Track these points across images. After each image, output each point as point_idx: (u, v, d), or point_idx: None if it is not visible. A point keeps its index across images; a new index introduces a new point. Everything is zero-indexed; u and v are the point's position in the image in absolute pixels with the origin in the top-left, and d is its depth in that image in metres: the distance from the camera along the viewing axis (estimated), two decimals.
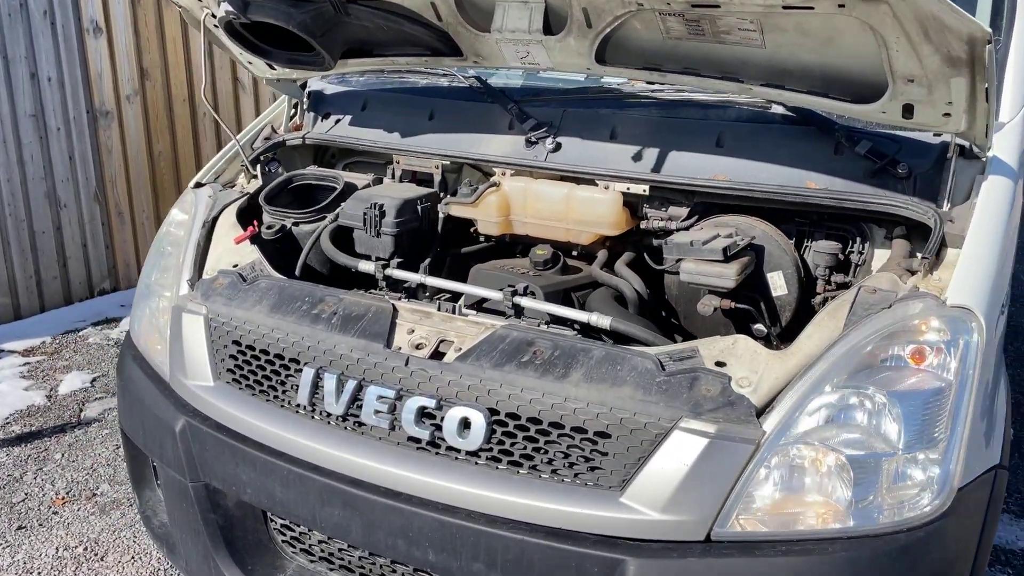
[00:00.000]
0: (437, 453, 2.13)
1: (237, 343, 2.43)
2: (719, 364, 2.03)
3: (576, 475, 2.00)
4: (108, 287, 6.25)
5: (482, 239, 3.01)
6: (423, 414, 2.12)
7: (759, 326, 2.59)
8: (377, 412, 2.17)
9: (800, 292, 2.58)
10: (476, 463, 2.08)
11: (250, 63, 3.06)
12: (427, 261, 2.79)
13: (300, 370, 2.30)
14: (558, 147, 2.77)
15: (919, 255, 2.44)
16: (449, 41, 2.60)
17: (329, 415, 2.26)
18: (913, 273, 2.38)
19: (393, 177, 3.07)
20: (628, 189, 2.64)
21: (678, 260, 2.54)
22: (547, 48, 2.44)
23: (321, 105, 3.33)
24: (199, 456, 2.43)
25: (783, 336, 2.59)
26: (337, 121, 3.25)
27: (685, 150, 2.65)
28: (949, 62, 1.95)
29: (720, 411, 1.93)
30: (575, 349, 2.11)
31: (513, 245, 3.02)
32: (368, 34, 2.73)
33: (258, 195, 2.98)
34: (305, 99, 3.32)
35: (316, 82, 3.37)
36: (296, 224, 2.88)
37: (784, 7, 2.01)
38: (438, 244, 2.89)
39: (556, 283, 2.65)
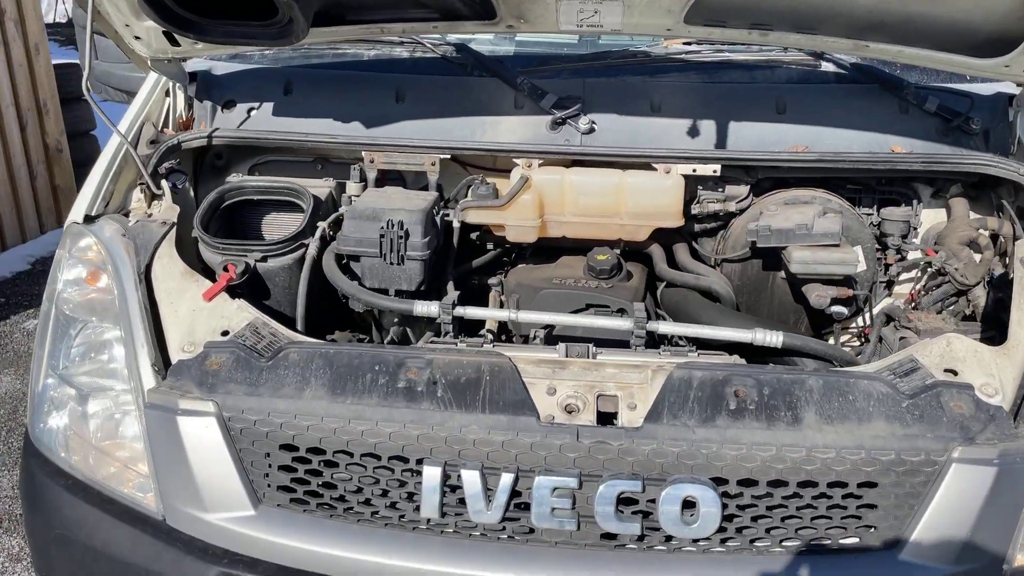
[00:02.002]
0: (647, 548, 1.63)
1: (291, 447, 1.68)
2: (949, 372, 1.75)
3: (841, 539, 1.63)
4: None
5: (489, 247, 2.43)
6: (621, 501, 1.61)
7: (837, 308, 2.35)
8: (556, 510, 1.60)
9: (874, 265, 2.38)
10: (707, 550, 1.62)
11: (137, 38, 2.16)
12: (449, 287, 2.19)
13: (415, 471, 1.65)
14: (592, 127, 2.27)
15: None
16: (478, 1, 1.99)
17: (473, 525, 1.65)
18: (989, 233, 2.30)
19: (363, 180, 2.36)
20: (694, 171, 2.24)
21: (771, 248, 2.21)
22: (626, 6, 1.94)
23: (216, 91, 2.49)
24: None
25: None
26: (250, 111, 2.45)
27: (745, 120, 2.30)
28: None
29: (988, 430, 1.65)
30: (784, 383, 1.70)
31: (520, 249, 2.49)
32: None
33: (182, 225, 2.14)
34: (188, 84, 2.46)
35: (198, 61, 2.51)
36: (264, 259, 2.11)
37: None
38: (453, 261, 2.28)
39: (635, 293, 2.19)
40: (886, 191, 2.44)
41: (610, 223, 2.27)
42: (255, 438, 1.70)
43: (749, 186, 2.35)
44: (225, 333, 1.86)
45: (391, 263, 2.06)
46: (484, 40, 2.58)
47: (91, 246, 2.05)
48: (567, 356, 1.79)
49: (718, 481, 1.60)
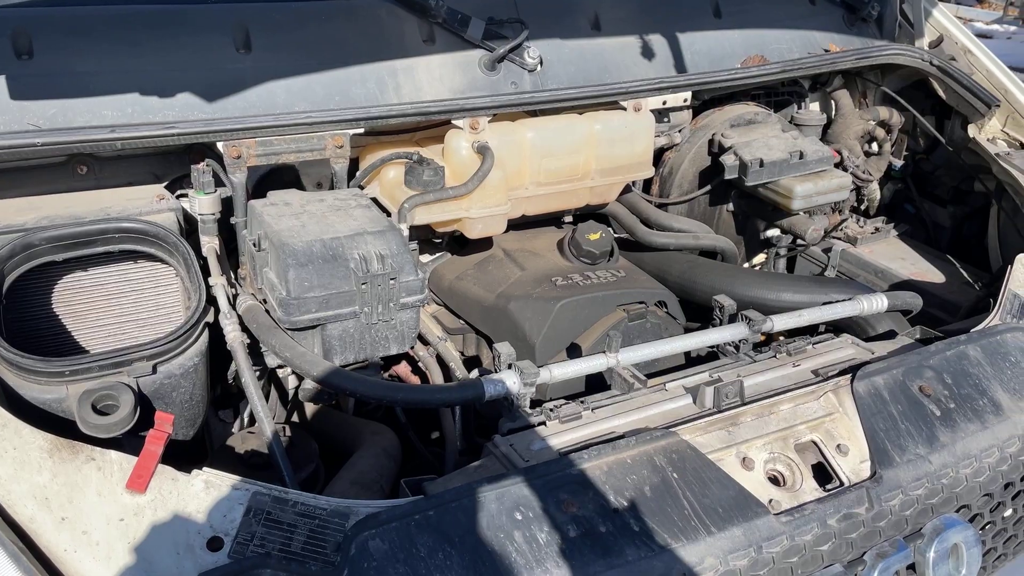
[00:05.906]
0: None
1: None
2: None
3: None
4: None
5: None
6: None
7: (773, 231, 2.12)
8: None
9: None
10: None
11: None
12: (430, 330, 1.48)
13: None
14: (539, 62, 1.65)
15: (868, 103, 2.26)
16: None
17: None
18: (879, 124, 2.23)
19: (215, 188, 1.43)
20: (664, 103, 1.76)
21: (755, 185, 1.86)
22: None
23: None
24: None
25: None
26: None
27: (689, 30, 1.86)
28: None
29: None
30: (951, 362, 1.41)
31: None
32: None
33: None
34: None
35: None
36: (155, 368, 1.19)
37: None
38: None
39: (647, 276, 1.70)
40: (783, 93, 2.21)
41: (579, 187, 1.71)
42: None
43: (692, 109, 1.94)
44: (216, 544, 1.00)
45: (377, 321, 1.29)
46: None
47: None
48: (722, 408, 1.28)
49: (963, 507, 1.29)
